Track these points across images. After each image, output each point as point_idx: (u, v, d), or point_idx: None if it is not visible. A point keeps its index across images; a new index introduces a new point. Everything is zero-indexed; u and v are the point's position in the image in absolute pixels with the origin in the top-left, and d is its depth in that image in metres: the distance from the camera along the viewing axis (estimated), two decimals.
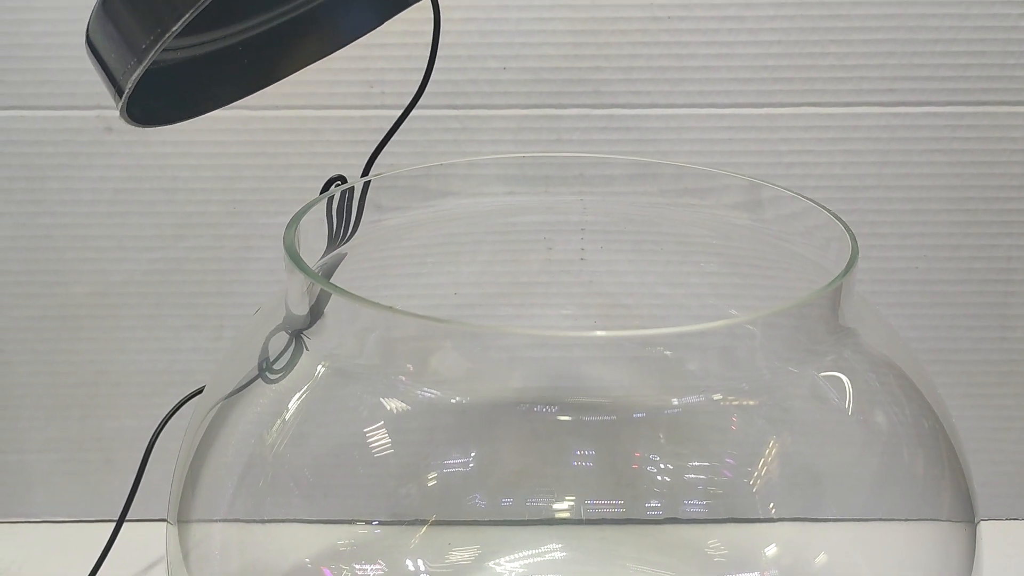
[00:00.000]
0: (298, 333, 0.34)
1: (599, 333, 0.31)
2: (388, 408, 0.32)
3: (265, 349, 0.34)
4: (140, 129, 0.50)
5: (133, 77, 0.32)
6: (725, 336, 0.30)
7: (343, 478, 0.36)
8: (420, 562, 0.36)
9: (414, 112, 0.50)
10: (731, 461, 0.36)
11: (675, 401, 0.31)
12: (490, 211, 0.46)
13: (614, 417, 0.32)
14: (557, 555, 0.42)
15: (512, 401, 0.33)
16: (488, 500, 0.37)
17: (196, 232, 0.51)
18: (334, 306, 0.33)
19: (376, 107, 0.50)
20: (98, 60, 0.34)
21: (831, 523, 0.34)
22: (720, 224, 0.43)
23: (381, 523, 0.38)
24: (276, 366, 0.34)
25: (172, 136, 0.50)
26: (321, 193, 0.39)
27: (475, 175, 0.45)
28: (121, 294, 0.51)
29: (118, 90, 0.33)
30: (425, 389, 0.32)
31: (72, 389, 0.52)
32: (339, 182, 0.39)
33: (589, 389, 0.34)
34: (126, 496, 0.45)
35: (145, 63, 0.32)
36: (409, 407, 0.32)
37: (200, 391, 0.38)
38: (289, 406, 0.34)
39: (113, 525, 0.46)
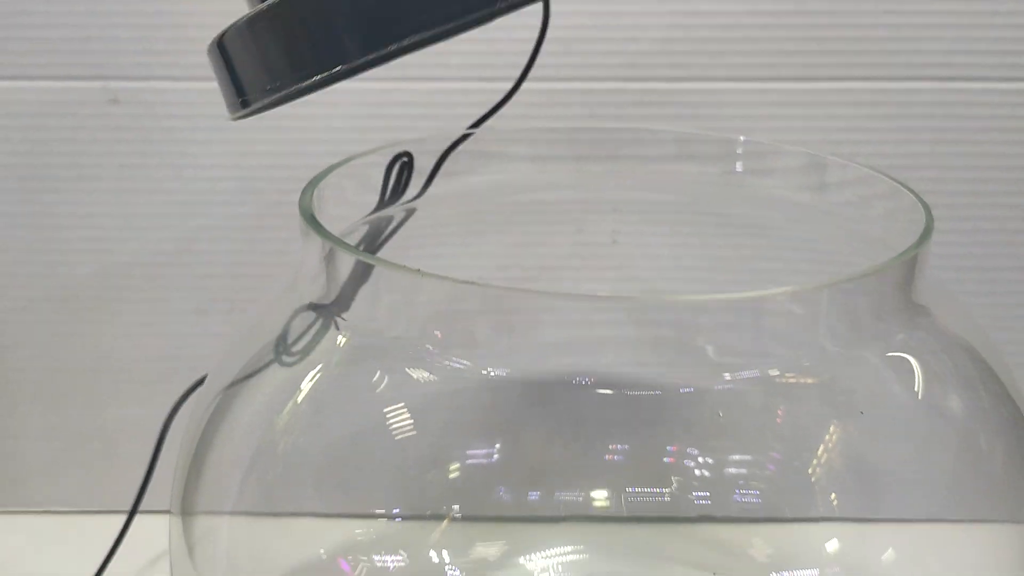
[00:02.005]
0: (327, 310, 0.32)
1: (643, 297, 0.28)
2: (415, 378, 0.30)
3: (285, 329, 0.32)
4: (147, 102, 0.48)
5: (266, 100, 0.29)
6: (783, 305, 0.27)
7: (359, 466, 0.33)
8: (445, 553, 0.34)
9: (428, 85, 0.47)
10: (778, 454, 0.33)
11: (727, 376, 0.28)
12: (513, 187, 0.44)
13: (659, 392, 0.29)
14: (587, 554, 0.39)
15: (549, 373, 0.31)
16: (514, 493, 0.35)
17: (206, 211, 0.49)
18: (352, 276, 0.30)
19: (395, 80, 0.47)
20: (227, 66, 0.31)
21: (896, 523, 0.31)
22: (769, 201, 0.40)
23: (402, 517, 0.35)
24: (294, 348, 0.32)
25: (181, 109, 0.48)
26: (386, 172, 0.36)
27: (496, 149, 0.43)
28: (126, 275, 0.49)
29: (243, 103, 0.30)
30: (455, 359, 0.29)
31: (73, 375, 0.50)
32: (405, 158, 0.36)
33: (629, 364, 0.31)
34: (129, 487, 0.43)
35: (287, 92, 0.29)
36: (436, 377, 0.29)
37: None
38: (302, 387, 0.32)
39: (117, 516, 0.44)
